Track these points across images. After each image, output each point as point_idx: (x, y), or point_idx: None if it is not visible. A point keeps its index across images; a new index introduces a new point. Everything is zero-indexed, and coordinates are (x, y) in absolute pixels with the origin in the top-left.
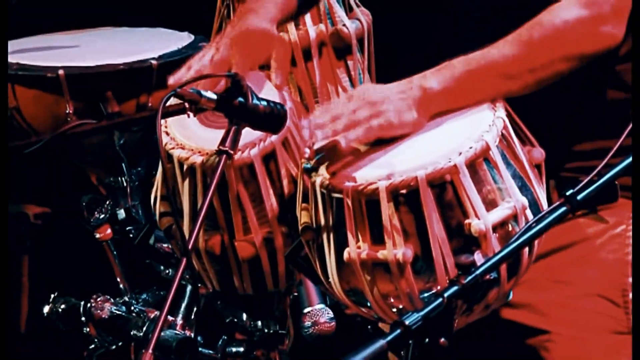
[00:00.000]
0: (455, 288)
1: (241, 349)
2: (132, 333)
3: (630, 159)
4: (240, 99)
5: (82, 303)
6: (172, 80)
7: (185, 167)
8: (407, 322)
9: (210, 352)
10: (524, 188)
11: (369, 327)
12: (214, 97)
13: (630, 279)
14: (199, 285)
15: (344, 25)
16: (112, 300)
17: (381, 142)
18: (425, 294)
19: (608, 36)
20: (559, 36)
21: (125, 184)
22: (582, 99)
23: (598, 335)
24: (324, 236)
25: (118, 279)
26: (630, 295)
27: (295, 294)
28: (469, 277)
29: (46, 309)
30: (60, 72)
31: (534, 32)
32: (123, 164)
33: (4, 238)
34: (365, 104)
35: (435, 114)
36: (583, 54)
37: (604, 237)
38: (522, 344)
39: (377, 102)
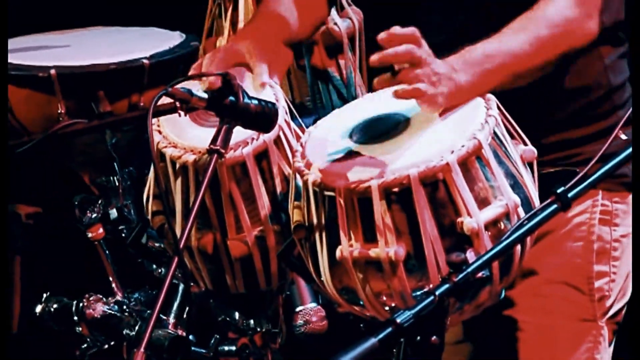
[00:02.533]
0: (446, 286)
1: (233, 348)
2: (124, 332)
3: (620, 157)
4: (231, 98)
5: (75, 303)
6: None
7: (177, 165)
8: (398, 320)
9: (203, 351)
10: (516, 186)
11: (361, 325)
12: (205, 96)
13: (596, 267)
14: (192, 284)
15: (335, 24)
16: (104, 299)
17: (374, 140)
18: (418, 292)
19: (592, 32)
20: (564, 32)
21: (117, 184)
22: (541, 93)
23: (564, 322)
24: (317, 234)
25: (110, 279)
26: (596, 283)
27: (288, 292)
28: (461, 275)
29: (38, 308)
30: (52, 71)
31: (541, 27)
32: (115, 164)
33: (3, 239)
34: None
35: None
36: (575, 48)
37: (569, 226)
38: (493, 332)
39: (436, 76)
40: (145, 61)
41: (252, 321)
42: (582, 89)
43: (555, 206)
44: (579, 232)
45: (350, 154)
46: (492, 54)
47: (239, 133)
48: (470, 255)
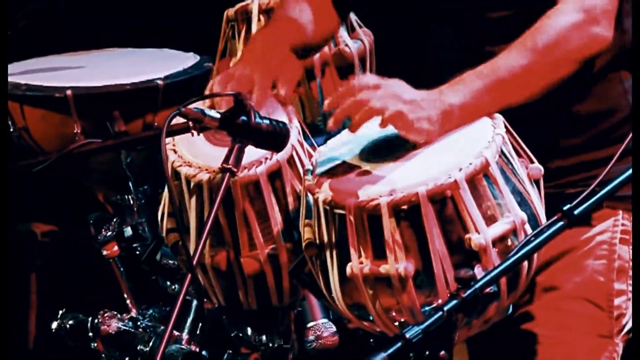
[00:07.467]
0: (455, 302)
1: None
2: (138, 348)
3: (625, 175)
4: (243, 117)
5: (90, 319)
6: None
7: (192, 184)
8: (407, 336)
9: None
10: (523, 203)
11: (371, 340)
12: (218, 116)
13: (616, 285)
14: (205, 300)
15: (347, 45)
16: (119, 316)
17: (383, 158)
18: (427, 308)
19: (601, 38)
20: (562, 41)
21: (131, 202)
22: (563, 117)
23: (582, 338)
24: (327, 252)
25: (125, 295)
26: (615, 301)
27: (299, 308)
28: (469, 291)
29: (54, 325)
30: (68, 92)
31: (537, 39)
32: (130, 182)
33: (4, 254)
34: (396, 98)
35: (450, 130)
36: (583, 56)
37: (591, 244)
38: (510, 346)
39: (407, 101)
40: (159, 82)
41: (264, 337)
42: (604, 112)
43: (561, 223)
44: (600, 251)
45: (360, 172)
46: (484, 72)
47: (253, 152)
48: (478, 271)
